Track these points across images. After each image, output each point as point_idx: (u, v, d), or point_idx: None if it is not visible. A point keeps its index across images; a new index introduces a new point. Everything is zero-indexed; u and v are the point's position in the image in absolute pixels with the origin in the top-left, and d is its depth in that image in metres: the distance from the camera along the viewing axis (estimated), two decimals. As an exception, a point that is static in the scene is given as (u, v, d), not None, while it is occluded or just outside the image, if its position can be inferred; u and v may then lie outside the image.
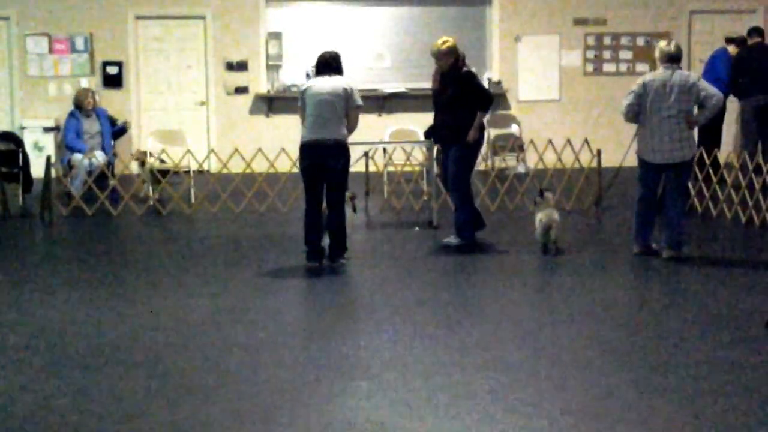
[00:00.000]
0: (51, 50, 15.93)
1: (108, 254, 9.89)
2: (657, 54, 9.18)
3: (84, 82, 15.60)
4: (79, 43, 15.93)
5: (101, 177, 12.32)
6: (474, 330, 6.81)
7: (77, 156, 12.66)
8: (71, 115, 13.03)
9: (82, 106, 12.96)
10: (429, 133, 10.52)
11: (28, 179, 12.39)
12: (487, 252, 9.66)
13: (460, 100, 9.62)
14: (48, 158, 11.97)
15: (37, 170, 12.56)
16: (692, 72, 9.41)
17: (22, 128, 15.29)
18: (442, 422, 5.04)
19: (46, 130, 15.43)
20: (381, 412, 5.20)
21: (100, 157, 12.60)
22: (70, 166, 12.79)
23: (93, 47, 15.94)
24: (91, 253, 9.99)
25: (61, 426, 5.01)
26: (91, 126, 12.93)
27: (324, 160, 8.83)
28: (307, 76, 15.85)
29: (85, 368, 5.98)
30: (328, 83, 8.96)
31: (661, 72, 9.03)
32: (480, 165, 13.28)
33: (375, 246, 10.11)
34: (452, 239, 9.82)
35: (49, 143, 15.31)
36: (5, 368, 6.01)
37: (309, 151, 8.86)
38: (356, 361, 6.12)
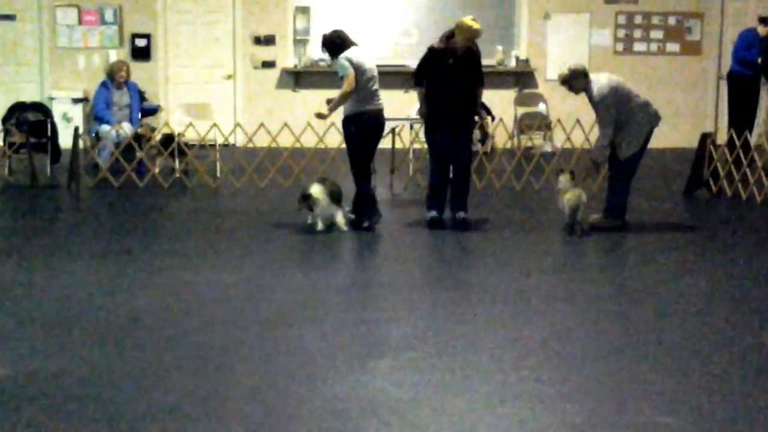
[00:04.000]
0: (80, 22, 15.98)
1: (133, 226, 9.93)
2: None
3: (113, 54, 15.65)
4: (109, 15, 15.97)
5: (128, 149, 12.37)
6: (495, 308, 6.80)
7: (105, 127, 12.70)
8: (103, 85, 13.07)
9: (114, 78, 12.99)
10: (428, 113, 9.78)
11: (56, 150, 12.48)
12: (512, 231, 9.63)
13: (474, 78, 9.59)
14: (76, 129, 12.04)
15: (65, 141, 12.66)
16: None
17: (51, 99, 15.37)
18: (466, 399, 5.04)
19: (75, 101, 15.51)
20: (404, 389, 5.20)
21: (127, 129, 12.64)
22: (97, 138, 12.84)
23: (122, 19, 15.98)
24: (116, 224, 10.04)
25: (82, 396, 5.05)
26: (121, 98, 12.96)
27: (381, 129, 9.65)
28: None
29: (108, 338, 6.02)
30: (366, 56, 9.57)
31: None
32: (506, 143, 13.23)
33: (398, 223, 10.09)
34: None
35: (77, 114, 15.39)
36: (31, 337, 6.06)
37: (371, 119, 9.50)
38: (378, 338, 6.13)
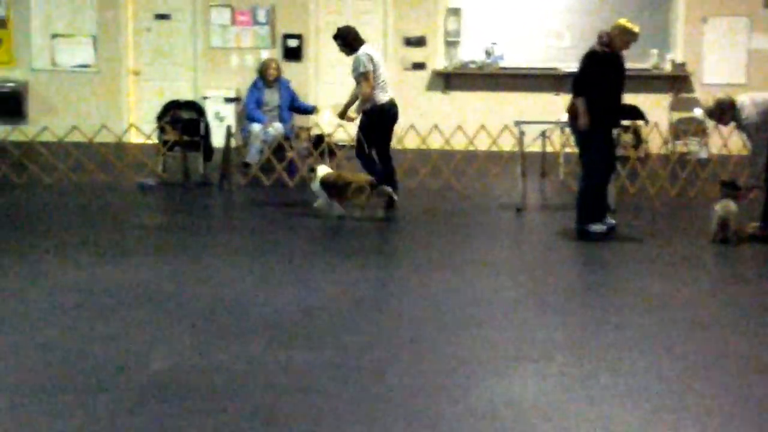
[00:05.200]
0: (234, 22, 16.24)
1: (282, 224, 9.98)
2: None
3: (265, 54, 15.85)
4: (261, 16, 16.19)
5: (279, 148, 12.47)
6: (643, 317, 6.56)
7: (255, 126, 12.85)
8: (254, 84, 13.23)
9: (264, 75, 13.13)
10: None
11: (209, 148, 12.67)
12: (665, 238, 9.33)
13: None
14: (228, 128, 12.21)
15: (217, 140, 12.86)
16: None
17: (205, 98, 15.66)
18: (617, 410, 4.85)
19: (227, 100, 15.77)
20: (554, 395, 5.05)
21: (278, 128, 12.74)
22: (248, 137, 12.99)
23: (274, 19, 16.17)
24: (267, 222, 10.12)
25: (237, 391, 5.05)
26: (271, 97, 13.09)
27: (398, 115, 10.52)
28: (487, 53, 15.73)
29: (261, 334, 6.03)
30: (377, 52, 10.56)
31: None
32: (661, 148, 12.87)
33: (544, 228, 9.88)
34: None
35: (229, 113, 15.64)
36: (187, 332, 6.11)
37: (392, 108, 10.43)
38: (531, 343, 5.98)
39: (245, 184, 12.05)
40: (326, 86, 16.36)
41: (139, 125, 14.01)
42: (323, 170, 10.27)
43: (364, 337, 6.06)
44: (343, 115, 10.68)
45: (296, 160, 12.43)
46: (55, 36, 16.23)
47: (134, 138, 14.28)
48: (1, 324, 6.23)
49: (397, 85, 16.15)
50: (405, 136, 12.45)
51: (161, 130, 12.74)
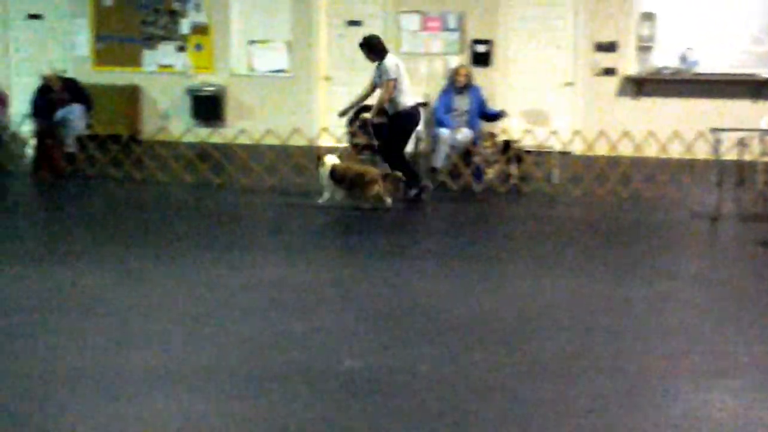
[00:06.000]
0: (423, 28, 16.38)
1: (470, 229, 10.00)
2: None
3: (453, 60, 15.92)
4: (451, 21, 16.27)
5: (467, 153, 12.50)
6: None
7: (442, 131, 12.91)
8: (444, 90, 13.32)
9: (456, 82, 13.20)
10: None
11: (398, 152, 12.79)
12: None
13: None
14: (416, 133, 12.30)
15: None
16: None
17: (394, 103, 15.83)
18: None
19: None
20: (753, 411, 4.88)
21: (466, 133, 12.78)
22: (436, 141, 13.06)
23: (464, 25, 16.22)
24: (453, 227, 10.16)
25: (425, 392, 5.10)
26: (461, 103, 13.13)
27: (420, 121, 11.57)
28: (682, 59, 15.34)
29: (449, 338, 6.06)
30: (400, 61, 11.28)
31: None
32: None
33: (740, 238, 9.54)
34: None
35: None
36: (378, 333, 6.20)
37: (417, 111, 11.34)
38: (718, 356, 5.79)
39: (432, 189, 12.12)
40: (514, 91, 16.29)
41: (330, 129, 14.32)
42: (331, 160, 10.74)
43: (555, 343, 6.01)
44: (344, 114, 11.74)
45: (483, 166, 12.42)
46: (252, 42, 16.77)
47: (325, 142, 14.59)
48: (202, 317, 6.48)
49: (586, 91, 15.97)
50: (595, 143, 12.26)
51: (351, 134, 12.96)
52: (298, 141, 13.50)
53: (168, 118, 16.56)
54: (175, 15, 16.76)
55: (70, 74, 15.09)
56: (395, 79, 11.01)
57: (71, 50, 17.05)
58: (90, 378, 5.29)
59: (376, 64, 11.30)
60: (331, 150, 11.56)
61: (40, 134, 12.65)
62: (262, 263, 8.12)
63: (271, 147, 13.14)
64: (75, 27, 17.07)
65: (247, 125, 14.47)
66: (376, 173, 10.62)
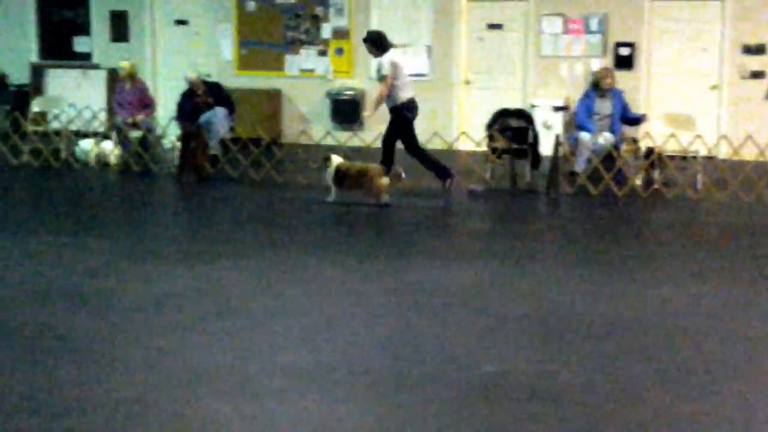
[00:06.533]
0: (565, 30, 16.17)
1: (608, 234, 9.83)
2: None
3: (595, 63, 15.68)
4: (594, 24, 16.02)
5: (608, 158, 12.29)
6: None
7: (584, 135, 12.72)
8: (586, 94, 13.13)
9: (599, 86, 12.99)
10: None
11: (536, 156, 12.69)
12: None
13: None
14: (557, 137, 12.17)
15: (545, 148, 12.86)
16: None
17: (533, 106, 15.68)
18: None
19: (556, 109, 15.71)
20: None
21: (607, 138, 12.57)
22: (576, 145, 12.89)
23: (607, 28, 15.96)
24: (592, 232, 10.01)
25: (566, 397, 5.01)
26: (603, 107, 12.92)
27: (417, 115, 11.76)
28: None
29: (587, 344, 5.96)
30: (401, 57, 11.88)
31: None
32: None
33: None
34: None
35: (557, 122, 15.58)
36: (513, 337, 6.14)
37: (413, 104, 11.59)
38: None
39: (572, 193, 11.96)
40: (657, 95, 15.93)
41: (469, 133, 14.27)
42: (336, 160, 11.11)
43: (697, 351, 5.84)
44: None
45: (625, 171, 12.19)
46: (392, 46, 16.82)
47: (464, 145, 14.54)
48: (341, 319, 6.53)
49: (733, 95, 15.51)
50: (741, 147, 11.87)
51: (490, 137, 12.89)
52: (438, 145, 13.49)
53: (308, 122, 16.77)
54: (317, 20, 16.99)
55: (214, 78, 15.43)
56: (391, 76, 11.39)
57: (216, 55, 17.45)
58: (233, 376, 5.38)
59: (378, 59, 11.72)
60: (472, 154, 11.53)
61: (184, 137, 12.96)
62: (401, 267, 8.14)
63: (409, 150, 13.15)
64: (219, 32, 17.46)
65: (385, 129, 14.51)
66: (378, 170, 10.99)
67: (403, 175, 11.33)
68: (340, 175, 11.05)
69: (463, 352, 5.83)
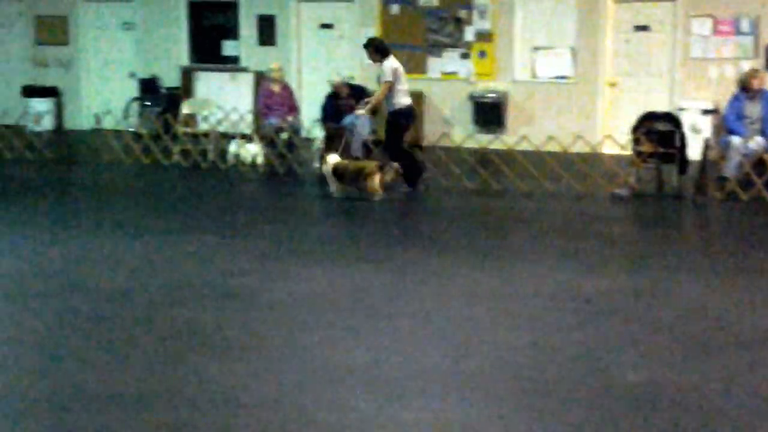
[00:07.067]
0: (715, 32, 15.75)
1: (758, 241, 9.52)
2: None
3: (746, 65, 15.21)
4: (744, 25, 15.55)
5: (760, 163, 11.91)
6: None
7: (734, 139, 12.35)
8: (735, 97, 12.75)
9: (747, 87, 12.60)
10: None
11: (684, 160, 12.38)
12: None
13: None
14: (705, 140, 11.86)
15: (693, 152, 12.55)
16: None
17: (681, 109, 15.32)
18: None
19: (705, 112, 15.31)
20: None
21: (759, 142, 12.18)
22: (726, 150, 12.52)
23: (758, 29, 15.47)
24: (740, 238, 9.72)
25: (715, 410, 4.87)
26: (753, 109, 12.51)
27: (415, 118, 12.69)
28: None
29: (735, 355, 5.78)
30: (400, 64, 12.22)
31: None
32: None
33: None
34: None
35: (706, 126, 15.18)
36: (659, 346, 6.01)
37: (410, 112, 12.27)
38: None
39: (721, 199, 11.64)
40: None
41: (614, 136, 14.03)
42: (333, 159, 11.55)
43: None
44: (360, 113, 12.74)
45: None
46: (535, 49, 16.70)
47: (608, 149, 14.31)
48: (483, 323, 6.51)
49: None
50: None
51: (636, 141, 12.64)
52: (581, 148, 13.32)
53: (450, 125, 16.77)
54: (459, 22, 16.98)
55: (357, 81, 15.58)
56: (392, 81, 11.96)
57: (359, 58, 17.60)
58: (373, 376, 5.42)
59: (378, 64, 12.28)
60: (617, 158, 11.34)
61: (327, 139, 13.12)
62: (544, 271, 8.06)
63: (552, 154, 13.03)
64: (363, 36, 17.62)
65: (528, 132, 14.42)
66: (374, 167, 11.43)
67: (401, 170, 11.74)
68: (338, 173, 11.49)
69: (609, 359, 5.73)
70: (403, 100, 12.15)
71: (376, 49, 12.28)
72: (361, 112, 12.65)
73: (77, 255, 8.56)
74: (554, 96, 16.55)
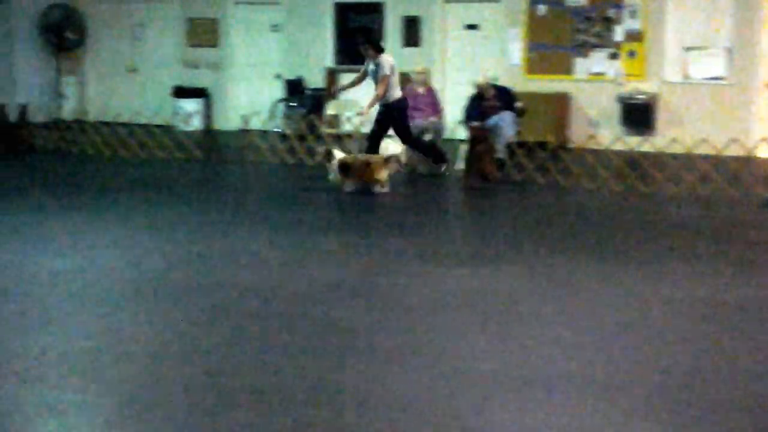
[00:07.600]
0: None
1: None
2: None
3: None
4: None
5: None
6: None
7: None
8: None
9: None
10: None
11: None
12: None
13: None
14: None
15: None
16: None
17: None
18: None
19: None
20: None
21: None
22: None
23: None
24: None
25: None
26: None
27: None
28: None
29: None
30: (393, 60, 12.65)
31: None
32: None
33: None
34: None
35: None
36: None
37: (403, 104, 12.68)
38: None
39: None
40: None
41: (771, 139, 13.47)
42: (339, 154, 11.82)
43: None
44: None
45: None
46: (688, 49, 16.18)
47: (765, 152, 13.75)
48: (624, 328, 6.30)
49: None
50: None
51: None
52: (735, 151, 12.84)
53: (597, 126, 16.41)
54: (608, 22, 16.60)
55: (502, 82, 15.38)
56: (389, 76, 12.33)
57: (504, 59, 17.41)
58: (513, 380, 5.29)
59: (371, 59, 12.57)
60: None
61: (472, 140, 12.98)
62: (687, 278, 7.76)
63: (704, 157, 12.60)
64: (509, 36, 17.42)
65: (679, 134, 13.99)
66: (379, 159, 11.74)
67: (403, 160, 12.37)
68: (345, 168, 11.68)
69: (756, 371, 5.46)
70: (396, 93, 12.59)
71: (373, 45, 12.69)
72: (361, 112, 13.07)
73: (222, 252, 8.65)
74: (707, 97, 16.00)
